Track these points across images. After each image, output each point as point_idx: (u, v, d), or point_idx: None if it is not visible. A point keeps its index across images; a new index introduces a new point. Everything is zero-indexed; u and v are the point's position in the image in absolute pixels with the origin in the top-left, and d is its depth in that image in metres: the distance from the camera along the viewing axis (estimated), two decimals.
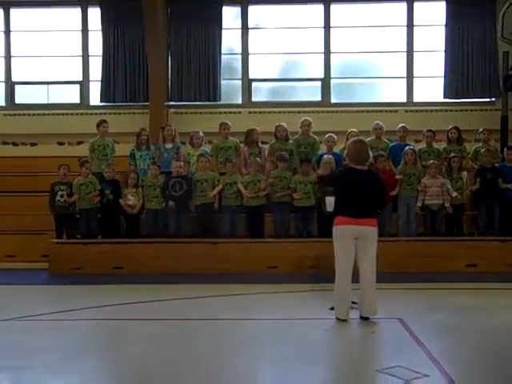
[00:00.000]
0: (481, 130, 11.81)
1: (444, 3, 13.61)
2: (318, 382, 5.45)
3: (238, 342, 6.47)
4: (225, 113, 13.42)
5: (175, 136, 11.81)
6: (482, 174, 10.96)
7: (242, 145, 11.64)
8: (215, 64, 13.70)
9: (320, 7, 13.95)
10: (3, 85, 14.40)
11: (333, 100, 14.00)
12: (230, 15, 14.11)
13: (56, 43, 14.20)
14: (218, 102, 13.76)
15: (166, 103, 13.71)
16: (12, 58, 14.38)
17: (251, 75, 14.11)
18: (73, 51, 14.25)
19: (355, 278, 7.12)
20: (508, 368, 5.58)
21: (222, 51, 13.83)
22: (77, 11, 14.21)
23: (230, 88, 14.14)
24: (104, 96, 13.86)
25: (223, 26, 13.81)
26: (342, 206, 7.17)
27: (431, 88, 13.93)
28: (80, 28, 14.22)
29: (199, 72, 13.69)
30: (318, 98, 14.00)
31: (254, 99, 14.10)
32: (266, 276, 9.89)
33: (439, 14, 13.68)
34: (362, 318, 7.13)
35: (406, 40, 13.90)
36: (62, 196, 11.01)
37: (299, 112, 12.93)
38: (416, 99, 13.87)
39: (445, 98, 13.63)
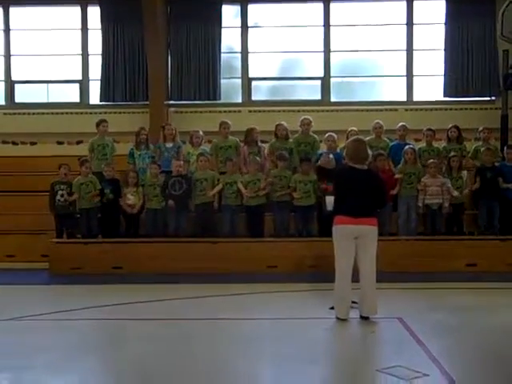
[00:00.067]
0: (481, 128, 11.80)
1: (444, 1, 13.61)
2: (318, 381, 5.46)
3: (238, 341, 6.48)
4: (224, 112, 13.42)
5: (175, 135, 11.81)
6: (482, 173, 10.96)
7: (241, 144, 11.65)
8: (215, 63, 13.70)
9: (320, 5, 13.95)
10: (3, 84, 14.40)
11: (332, 99, 14.00)
12: (230, 14, 14.10)
13: (55, 42, 14.20)
14: (218, 101, 13.76)
15: (165, 102, 13.72)
16: (12, 57, 14.37)
17: (251, 74, 14.11)
18: (72, 50, 14.25)
19: (355, 277, 7.13)
20: (508, 367, 5.59)
21: (222, 50, 13.83)
22: (76, 10, 14.21)
23: (230, 87, 14.14)
24: (104, 95, 13.86)
25: (223, 25, 13.81)
26: (341, 206, 7.18)
27: (431, 87, 13.93)
28: (80, 27, 14.22)
29: (199, 71, 13.69)
30: (317, 96, 14.01)
31: (253, 98, 14.11)
32: (265, 275, 9.89)
33: (439, 12, 13.68)
34: (361, 317, 7.14)
35: (405, 38, 13.90)
36: (62, 195, 11.01)
37: (299, 111, 12.93)
38: (416, 98, 13.87)
39: (445, 96, 13.64)
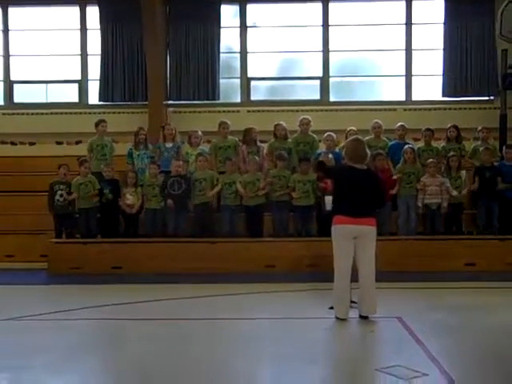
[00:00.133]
0: (479, 128, 11.80)
1: (442, 1, 13.59)
2: (318, 381, 5.45)
3: (237, 341, 6.48)
4: (223, 112, 13.40)
5: (175, 135, 11.80)
6: (481, 173, 10.95)
7: (240, 143, 11.64)
8: (214, 63, 13.69)
9: (318, 5, 13.94)
10: (2, 84, 14.39)
11: (332, 98, 13.99)
12: (229, 14, 14.09)
13: (54, 42, 14.18)
14: (217, 101, 13.75)
15: (164, 102, 13.70)
16: (10, 57, 14.36)
17: (250, 74, 14.10)
18: (71, 50, 14.23)
19: (354, 277, 7.12)
20: (507, 367, 5.59)
21: (221, 50, 13.82)
22: (75, 10, 14.19)
23: (229, 87, 14.14)
24: (103, 95, 13.85)
25: (222, 25, 13.80)
26: (340, 205, 7.18)
27: (430, 86, 13.91)
28: (78, 27, 14.21)
29: (198, 71, 13.68)
30: (316, 96, 14.00)
31: (252, 98, 14.10)
32: (264, 275, 9.88)
33: (438, 11, 13.66)
34: (361, 317, 7.14)
35: (404, 38, 13.88)
36: (61, 195, 11.01)
37: (298, 111, 12.91)
38: (415, 98, 13.86)
39: (443, 96, 13.62)
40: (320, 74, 13.99)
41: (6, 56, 14.34)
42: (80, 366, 5.73)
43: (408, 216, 10.85)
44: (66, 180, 11.12)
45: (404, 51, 13.91)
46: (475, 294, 8.61)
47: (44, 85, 14.38)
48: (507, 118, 12.77)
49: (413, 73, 13.91)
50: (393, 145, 11.55)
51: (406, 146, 11.17)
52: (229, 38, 14.06)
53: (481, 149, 11.32)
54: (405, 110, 13.56)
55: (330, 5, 13.91)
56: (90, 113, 13.50)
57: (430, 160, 10.96)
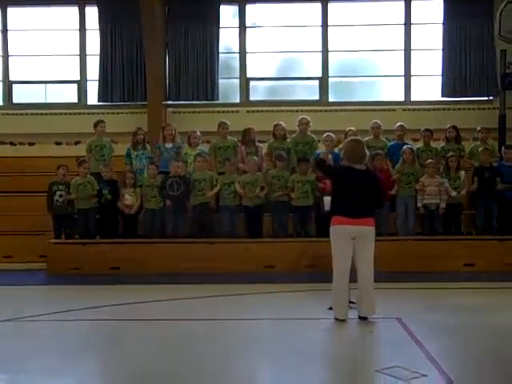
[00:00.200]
0: (479, 128, 11.78)
1: (441, 1, 13.58)
2: (317, 382, 5.44)
3: (237, 342, 6.47)
4: (223, 112, 13.39)
5: (175, 135, 11.78)
6: (480, 173, 10.95)
7: (239, 144, 11.63)
8: (213, 63, 13.68)
9: (318, 5, 13.93)
10: (1, 84, 14.38)
11: (331, 99, 13.98)
12: (228, 14, 14.08)
13: (53, 42, 14.17)
14: (216, 101, 13.73)
15: (163, 102, 13.69)
16: (9, 58, 14.35)
17: (249, 74, 14.09)
18: (70, 50, 14.21)
19: (353, 277, 7.11)
20: (506, 367, 5.58)
21: (220, 50, 13.80)
22: (74, 10, 14.18)
23: (228, 87, 14.13)
24: (102, 95, 13.84)
25: (221, 25, 13.78)
26: (338, 206, 7.17)
27: (429, 86, 13.90)
28: (77, 27, 14.19)
29: (197, 71, 13.66)
30: (315, 96, 13.99)
31: (251, 98, 14.09)
32: (263, 276, 9.87)
33: (437, 12, 13.66)
34: (360, 317, 7.13)
35: (403, 38, 13.87)
36: (60, 196, 11.00)
37: (297, 111, 12.90)
38: (414, 98, 13.85)
39: (442, 96, 13.61)
40: (319, 74, 13.99)
41: (5, 56, 14.33)
42: (79, 368, 5.71)
43: (406, 216, 10.84)
44: (65, 180, 11.11)
45: (403, 51, 13.90)
46: (474, 294, 8.61)
47: (43, 85, 14.36)
48: (506, 118, 12.76)
49: (412, 73, 13.90)
50: (392, 145, 11.54)
51: (405, 147, 11.17)
52: (228, 38, 14.06)
53: (480, 149, 11.31)
54: (404, 110, 13.56)
55: (329, 5, 13.91)
56: (89, 113, 13.49)
57: (429, 160, 10.95)
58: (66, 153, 13.25)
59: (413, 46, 13.86)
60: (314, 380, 5.42)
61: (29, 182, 12.37)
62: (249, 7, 14.06)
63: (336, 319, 7.08)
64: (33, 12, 14.29)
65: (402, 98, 13.87)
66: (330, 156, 10.78)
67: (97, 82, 13.87)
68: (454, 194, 10.74)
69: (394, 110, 13.47)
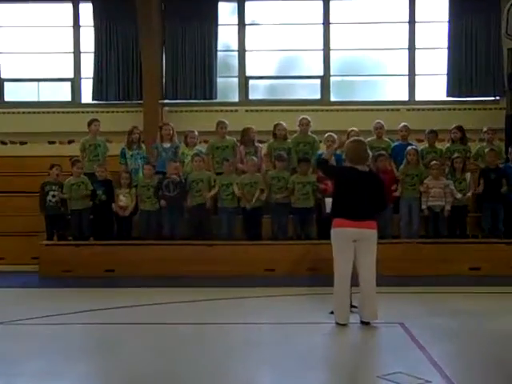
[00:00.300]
0: (485, 129, 11.79)
1: None
2: None
3: (236, 346, 6.47)
4: (221, 111, 13.37)
5: (173, 135, 11.79)
6: (486, 175, 10.96)
7: (237, 144, 11.64)
8: (211, 61, 13.68)
9: (319, 2, 13.94)
10: None
11: (332, 98, 13.99)
12: (227, 11, 14.11)
13: (46, 39, 14.17)
14: (214, 100, 13.74)
15: (160, 101, 13.68)
16: (1, 55, 14.35)
17: (248, 72, 14.10)
18: (64, 47, 14.21)
19: (355, 281, 7.12)
20: (509, 372, 5.60)
21: (218, 48, 13.81)
22: (68, 6, 14.18)
23: (227, 86, 14.14)
24: (96, 94, 13.84)
25: (219, 22, 13.78)
26: (340, 208, 7.17)
27: (434, 86, 13.92)
28: (71, 24, 14.19)
29: (194, 69, 13.67)
30: (317, 96, 14.00)
31: (250, 97, 14.10)
32: (263, 279, 9.90)
33: (442, 9, 13.68)
34: (362, 322, 7.13)
35: (407, 36, 13.88)
36: (53, 196, 11.01)
37: (297, 111, 12.86)
38: (418, 97, 13.86)
39: (448, 96, 13.62)
40: (321, 72, 14.00)
41: None
42: (71, 373, 5.71)
43: (410, 219, 10.85)
44: (58, 181, 11.12)
45: (407, 50, 13.91)
46: (479, 298, 8.63)
47: (36, 83, 14.36)
48: None
49: (416, 72, 13.91)
50: (396, 146, 11.55)
51: (409, 147, 11.18)
52: (226, 36, 14.07)
53: (486, 150, 11.32)
54: (408, 110, 13.55)
55: (331, 2, 13.92)
56: (83, 112, 13.48)
57: (434, 162, 10.96)
58: (60, 152, 13.25)
59: (417, 45, 13.87)
60: None
61: (21, 182, 12.37)
62: (248, 4, 14.07)
63: (337, 324, 7.08)
64: (25, 8, 14.25)
65: (406, 98, 13.88)
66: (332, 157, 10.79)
67: (91, 80, 13.87)
68: (459, 196, 10.76)
69: (398, 109, 13.48)
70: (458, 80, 13.48)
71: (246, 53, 14.09)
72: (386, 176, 9.55)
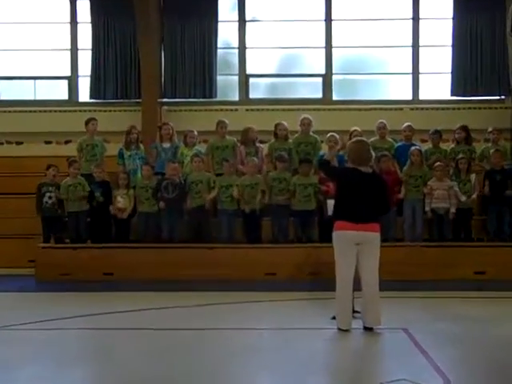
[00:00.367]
0: (490, 129, 11.79)
1: None
2: None
3: (236, 352, 6.46)
4: (221, 110, 13.37)
5: (173, 135, 11.80)
6: (491, 177, 10.97)
7: (238, 144, 11.66)
8: (211, 59, 13.70)
9: None
10: None
11: (334, 97, 14.01)
12: (227, 7, 14.13)
13: (43, 36, 14.17)
14: (214, 99, 13.75)
15: (159, 100, 13.70)
16: None
17: (248, 70, 14.12)
18: (61, 45, 14.23)
19: (358, 285, 7.14)
20: None
21: (218, 45, 13.83)
22: (65, 2, 14.19)
23: (227, 84, 14.16)
24: (94, 92, 13.85)
25: (219, 19, 13.81)
26: (342, 210, 7.16)
27: (438, 85, 13.94)
28: (68, 20, 14.21)
29: (194, 67, 13.69)
30: (318, 94, 14.02)
31: (251, 96, 14.12)
32: (264, 283, 9.92)
33: (446, 6, 13.69)
34: (365, 328, 7.13)
35: (411, 34, 13.90)
36: (50, 198, 11.02)
37: (299, 110, 12.87)
38: (422, 97, 13.88)
39: (452, 95, 13.64)
40: (322, 71, 14.02)
41: None
42: (68, 378, 5.71)
43: (414, 221, 10.86)
44: (54, 181, 11.13)
45: (411, 48, 13.93)
46: (484, 303, 8.65)
47: (32, 81, 14.38)
48: None
49: (420, 70, 13.93)
50: (399, 146, 11.56)
51: (413, 148, 11.18)
52: (227, 33, 14.09)
53: (491, 151, 11.32)
54: (412, 109, 13.56)
55: None
56: (80, 111, 13.51)
57: (438, 163, 10.96)
58: (56, 152, 13.26)
59: (421, 42, 13.89)
60: None
61: (16, 183, 12.38)
62: (248, 0, 14.08)
63: (339, 329, 7.08)
64: (21, 4, 14.27)
65: (409, 97, 13.89)
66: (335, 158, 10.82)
67: (88, 78, 13.89)
68: (463, 198, 10.75)
69: (402, 109, 13.48)
70: (463, 79, 13.51)
71: (247, 50, 14.11)
72: (389, 177, 9.57)
